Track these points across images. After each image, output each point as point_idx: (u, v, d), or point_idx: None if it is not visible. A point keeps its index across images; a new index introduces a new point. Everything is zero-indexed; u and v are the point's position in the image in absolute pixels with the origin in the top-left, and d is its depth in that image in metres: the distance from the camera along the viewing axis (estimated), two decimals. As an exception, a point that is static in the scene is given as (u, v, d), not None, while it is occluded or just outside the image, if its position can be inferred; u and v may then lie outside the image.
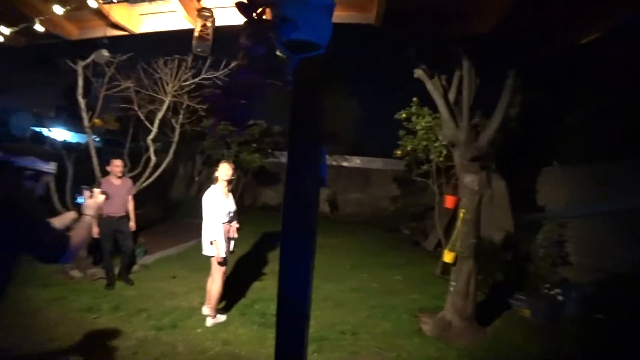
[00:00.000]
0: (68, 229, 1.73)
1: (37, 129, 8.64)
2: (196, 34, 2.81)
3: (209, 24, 2.79)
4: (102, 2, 2.85)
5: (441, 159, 6.32)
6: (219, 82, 5.51)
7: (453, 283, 3.97)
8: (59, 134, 10.11)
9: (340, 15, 3.11)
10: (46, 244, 1.47)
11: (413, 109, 6.44)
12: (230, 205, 3.83)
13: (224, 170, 3.77)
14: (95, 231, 4.31)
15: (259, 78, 1.34)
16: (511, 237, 5.91)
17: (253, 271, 5.49)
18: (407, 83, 4.68)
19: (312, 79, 1.40)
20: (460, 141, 4.05)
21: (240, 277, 5.07)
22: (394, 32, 4.10)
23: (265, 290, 4.80)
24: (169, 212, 10.29)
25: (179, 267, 5.57)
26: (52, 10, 2.95)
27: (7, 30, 3.15)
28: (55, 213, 2.30)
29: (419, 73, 4.28)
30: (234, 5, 1.36)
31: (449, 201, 5.06)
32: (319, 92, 1.42)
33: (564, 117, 6.01)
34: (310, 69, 1.38)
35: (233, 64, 5.18)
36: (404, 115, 6.58)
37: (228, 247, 3.77)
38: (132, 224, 4.91)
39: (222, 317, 3.84)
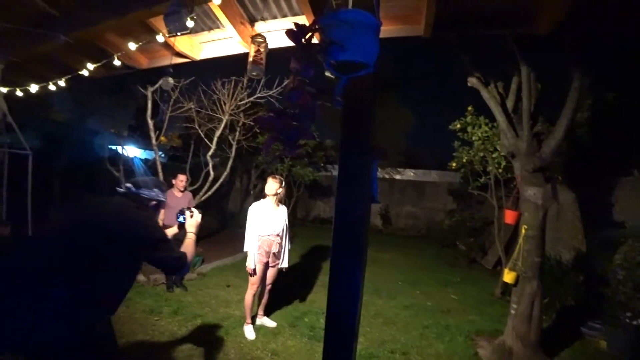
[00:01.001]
0: None
1: (113, 147, 9.67)
2: (250, 59, 2.99)
3: (262, 49, 2.96)
4: (168, 35, 3.16)
5: (500, 170, 5.95)
6: (273, 100, 5.78)
7: (514, 305, 3.68)
8: (131, 151, 11.21)
9: (387, 30, 3.10)
10: (172, 259, 1.77)
11: (468, 119, 6.16)
12: (276, 218, 3.84)
13: (269, 185, 3.90)
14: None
15: (309, 100, 1.40)
16: (582, 256, 5.34)
17: (304, 283, 5.55)
18: (461, 91, 4.50)
19: (362, 97, 1.43)
20: (520, 151, 3.78)
21: (291, 288, 5.15)
22: (445, 38, 3.97)
23: (315, 303, 4.84)
24: (225, 223, 10.84)
25: (233, 276, 5.80)
26: (128, 46, 3.36)
27: (91, 66, 3.67)
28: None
29: (472, 82, 4.10)
30: (284, 32, 1.44)
31: (510, 216, 4.69)
32: (369, 110, 1.44)
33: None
34: (359, 88, 1.41)
35: (286, 82, 5.41)
36: (458, 126, 6.31)
37: (268, 260, 3.80)
38: (190, 234, 5.24)
39: (249, 332, 3.78)
